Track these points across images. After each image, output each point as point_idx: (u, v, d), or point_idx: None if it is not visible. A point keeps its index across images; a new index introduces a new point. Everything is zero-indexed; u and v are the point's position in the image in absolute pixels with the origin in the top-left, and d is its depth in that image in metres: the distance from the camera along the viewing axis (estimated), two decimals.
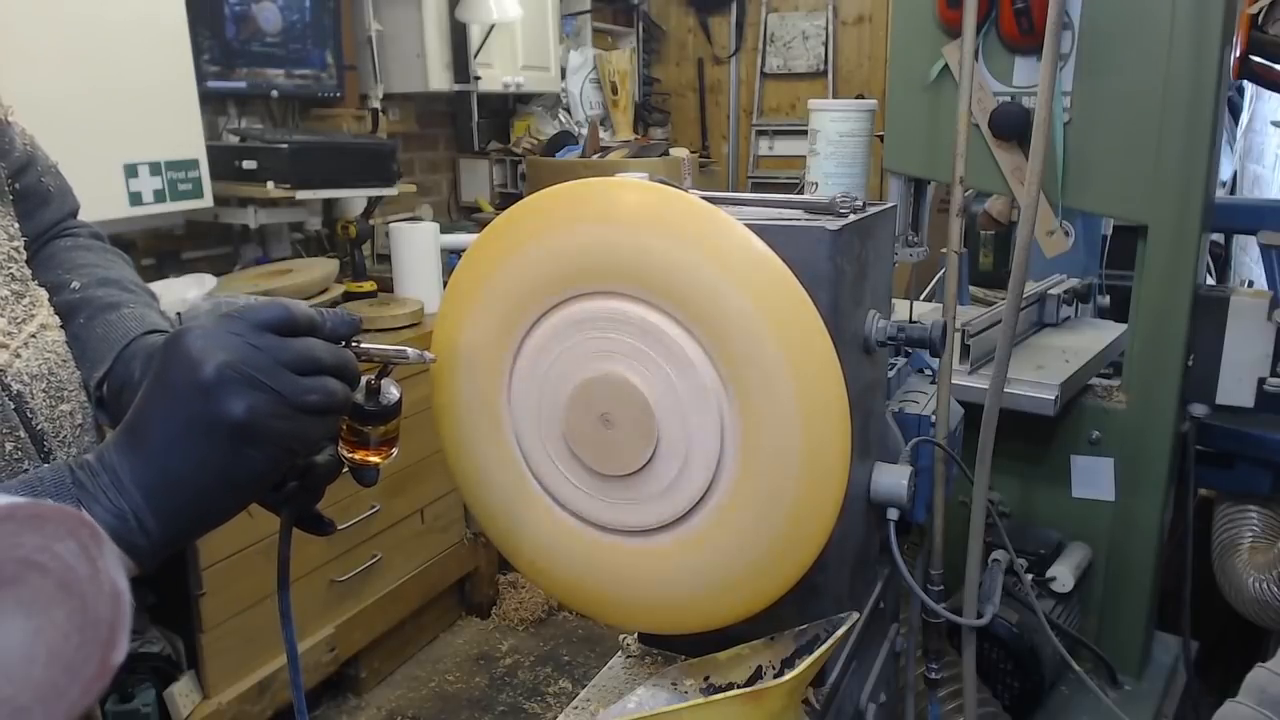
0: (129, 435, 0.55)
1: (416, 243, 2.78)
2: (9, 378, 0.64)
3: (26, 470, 0.63)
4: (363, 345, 0.64)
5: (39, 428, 0.65)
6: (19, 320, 0.67)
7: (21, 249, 0.71)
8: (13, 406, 0.63)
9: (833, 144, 1.26)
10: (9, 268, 0.68)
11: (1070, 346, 1.70)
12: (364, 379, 0.64)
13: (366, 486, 0.69)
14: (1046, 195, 1.44)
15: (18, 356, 0.65)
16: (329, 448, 0.68)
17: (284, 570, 0.70)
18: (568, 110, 4.27)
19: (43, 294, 0.73)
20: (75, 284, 0.79)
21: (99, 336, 0.76)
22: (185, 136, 2.28)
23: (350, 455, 0.67)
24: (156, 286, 2.32)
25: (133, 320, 0.78)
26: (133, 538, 0.53)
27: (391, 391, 0.67)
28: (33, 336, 0.68)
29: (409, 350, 0.66)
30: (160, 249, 2.66)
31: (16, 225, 0.72)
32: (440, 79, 3.33)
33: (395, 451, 0.69)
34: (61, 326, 0.73)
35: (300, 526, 0.70)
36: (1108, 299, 2.13)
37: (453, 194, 3.89)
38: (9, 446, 0.62)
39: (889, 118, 1.56)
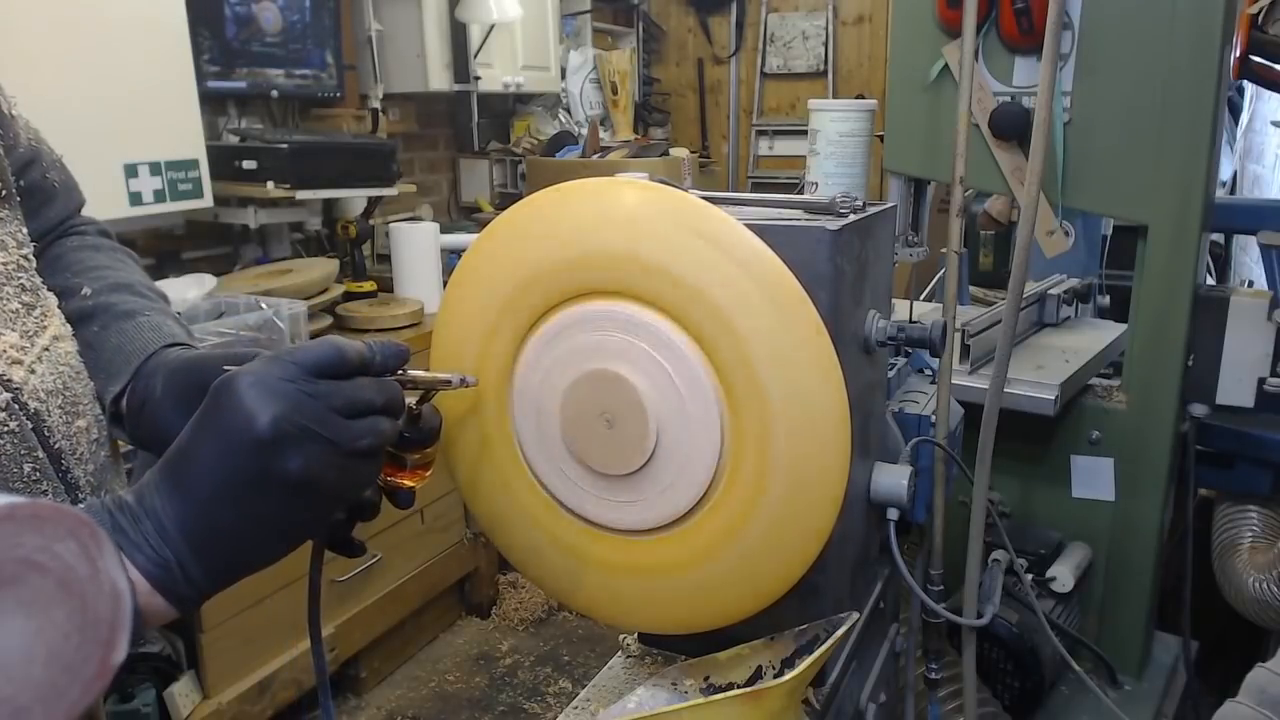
0: (173, 481, 0.53)
1: (416, 243, 2.78)
2: (25, 396, 0.61)
3: (46, 491, 0.61)
4: (408, 373, 0.63)
5: (56, 446, 0.63)
6: (31, 333, 0.65)
7: (30, 256, 0.69)
8: (31, 426, 0.61)
9: (833, 144, 1.26)
10: (19, 278, 0.66)
11: (1070, 346, 1.70)
12: (406, 404, 0.64)
13: (401, 508, 0.68)
14: (1046, 195, 1.44)
15: (32, 372, 0.63)
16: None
17: (315, 596, 0.69)
18: (568, 110, 4.27)
19: (53, 302, 0.70)
20: (87, 290, 0.77)
21: (114, 346, 0.74)
22: (185, 136, 2.28)
23: (386, 478, 0.67)
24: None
25: (150, 330, 0.75)
26: (177, 588, 0.52)
27: (432, 417, 0.67)
28: (46, 350, 0.65)
29: (452, 376, 0.66)
30: (160, 249, 2.66)
31: (25, 231, 0.70)
32: (440, 79, 3.33)
33: (430, 474, 0.69)
34: (73, 335, 0.71)
35: (331, 549, 0.69)
36: (1108, 299, 2.13)
37: (453, 194, 3.89)
38: (27, 468, 0.60)
39: (889, 118, 1.56)
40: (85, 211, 0.89)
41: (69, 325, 0.71)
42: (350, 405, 0.55)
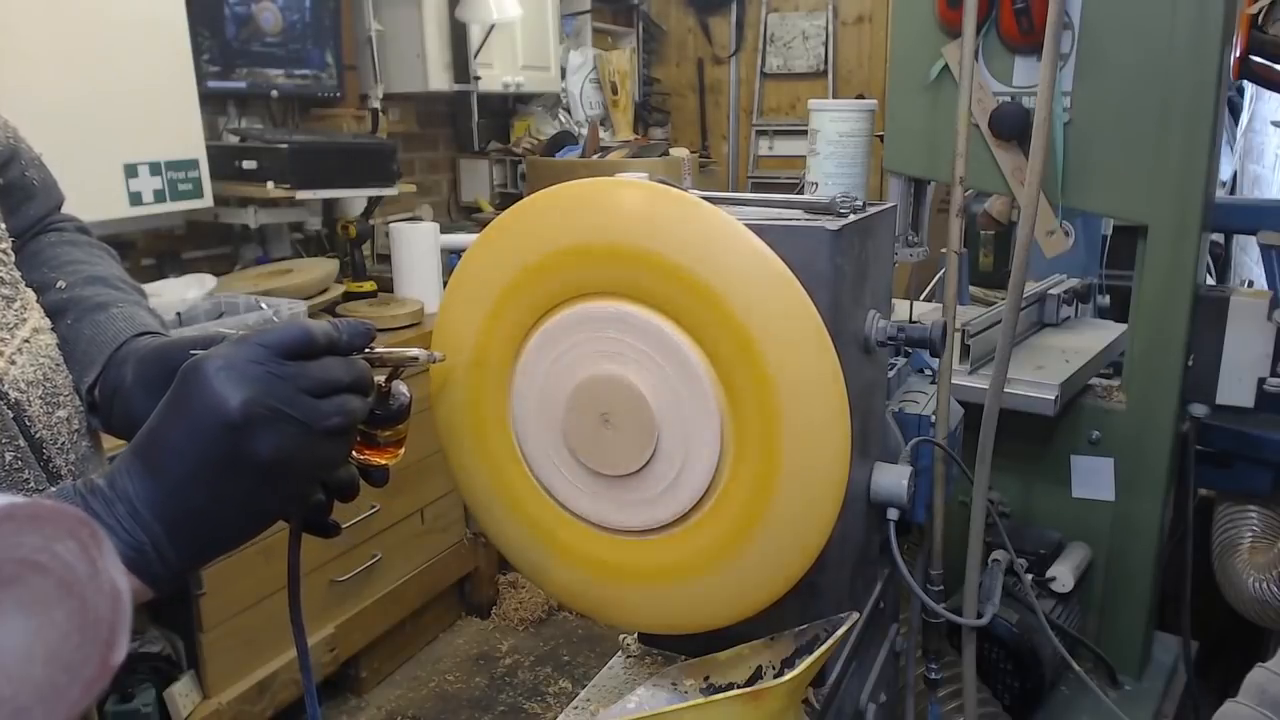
0: (144, 464, 0.54)
1: (416, 243, 2.78)
2: (6, 385, 0.63)
3: (27, 479, 0.62)
4: (375, 350, 0.64)
5: (37, 435, 0.64)
6: (11, 325, 0.66)
7: (9, 250, 0.70)
8: (11, 416, 0.62)
9: (833, 144, 1.26)
10: None
11: (1070, 346, 1.70)
12: (375, 381, 0.64)
13: (376, 486, 0.68)
14: (1046, 195, 1.44)
15: (13, 363, 0.64)
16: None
17: (294, 579, 0.69)
18: (568, 110, 4.27)
19: (32, 296, 0.71)
20: (61, 283, 0.77)
21: (88, 338, 0.75)
22: (185, 136, 2.28)
23: (358, 456, 0.67)
24: (156, 286, 2.33)
25: (122, 321, 0.76)
26: (152, 568, 0.53)
27: (402, 394, 0.67)
28: (26, 342, 0.66)
29: (419, 352, 0.66)
30: (160, 249, 2.66)
31: (4, 225, 0.71)
32: (440, 79, 3.33)
33: (402, 452, 0.69)
34: (52, 329, 0.72)
35: (308, 530, 0.69)
36: (1108, 299, 2.13)
37: (453, 194, 3.89)
38: (9, 456, 0.61)
39: (889, 118, 1.56)
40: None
41: (48, 319, 0.72)
42: (319, 385, 0.55)
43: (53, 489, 0.55)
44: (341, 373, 0.57)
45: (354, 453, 0.67)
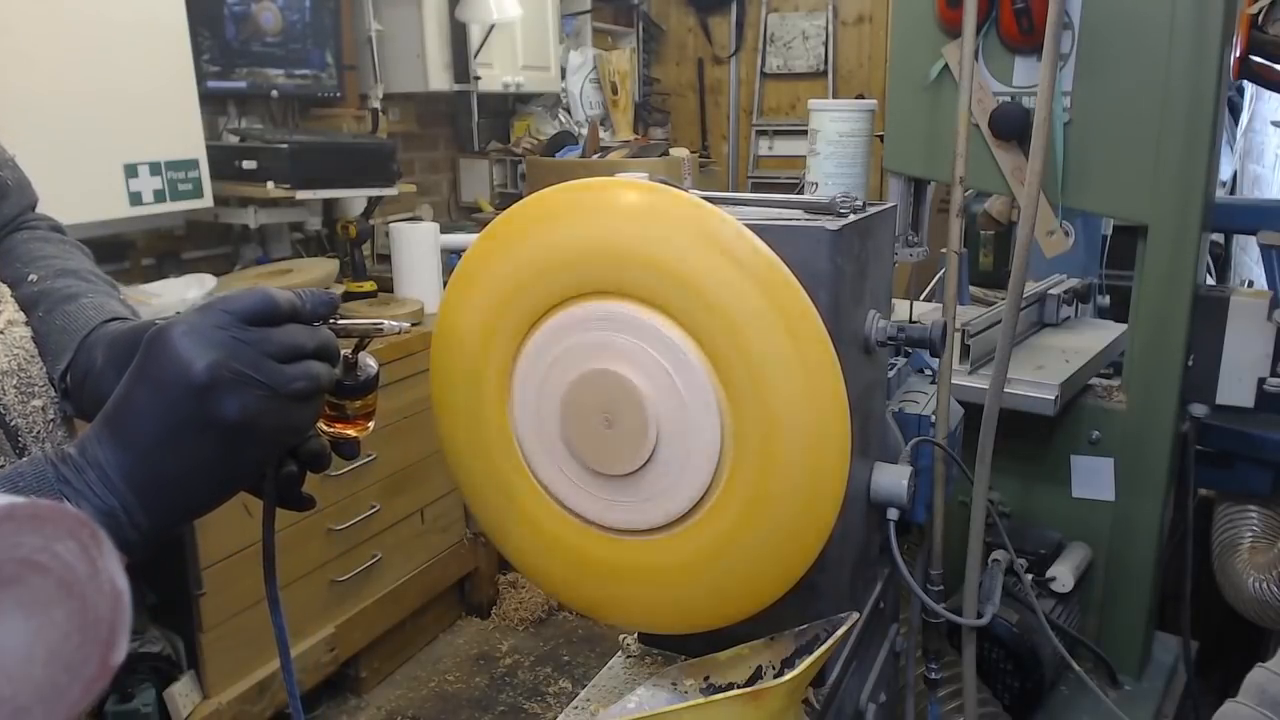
0: (112, 431, 0.54)
1: (416, 243, 2.78)
2: None
3: (2, 465, 0.63)
4: (340, 321, 0.64)
5: (12, 424, 0.66)
6: None
7: None
8: None
9: (833, 144, 1.26)
10: None
11: (1070, 346, 1.70)
12: (342, 354, 0.64)
13: (347, 459, 0.68)
14: (1046, 195, 1.44)
15: None
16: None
17: (269, 553, 0.69)
18: (568, 110, 4.27)
19: (6, 290, 0.73)
20: (33, 277, 0.79)
21: (59, 328, 0.76)
22: (185, 136, 2.28)
23: (329, 429, 0.67)
24: (156, 286, 2.33)
25: (92, 309, 0.77)
26: (124, 533, 0.53)
27: (369, 365, 0.67)
28: (0, 333, 0.68)
29: (385, 322, 0.66)
30: (160, 249, 2.66)
31: None
32: (440, 79, 3.33)
33: (372, 425, 0.69)
34: (26, 322, 0.73)
35: (280, 504, 0.69)
36: (1108, 299, 2.12)
37: (453, 194, 3.89)
38: None
39: (889, 118, 1.56)
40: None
41: (22, 313, 0.74)
42: (283, 350, 0.56)
43: (23, 459, 0.55)
44: (305, 339, 0.58)
45: (324, 425, 0.67)
